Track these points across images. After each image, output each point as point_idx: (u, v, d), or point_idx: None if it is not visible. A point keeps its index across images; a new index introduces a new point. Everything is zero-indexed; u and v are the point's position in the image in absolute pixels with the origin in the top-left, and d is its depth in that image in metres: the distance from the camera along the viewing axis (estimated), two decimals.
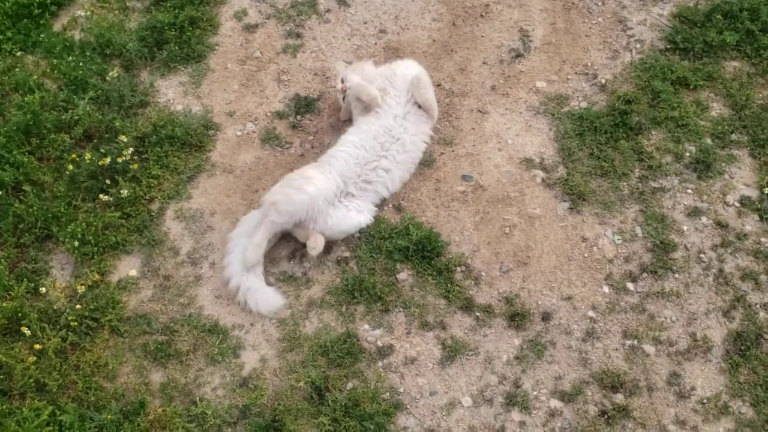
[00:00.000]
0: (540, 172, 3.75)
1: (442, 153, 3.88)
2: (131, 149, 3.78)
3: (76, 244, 3.51)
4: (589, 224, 3.58)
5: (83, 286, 3.42)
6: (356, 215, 3.51)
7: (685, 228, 3.55)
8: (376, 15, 4.46)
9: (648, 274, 3.42)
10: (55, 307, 3.38)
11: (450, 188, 3.74)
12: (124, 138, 3.77)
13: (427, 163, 3.82)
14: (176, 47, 4.24)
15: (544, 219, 3.60)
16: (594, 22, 4.36)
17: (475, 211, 3.66)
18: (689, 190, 3.65)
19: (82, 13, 4.45)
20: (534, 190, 3.70)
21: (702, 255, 3.46)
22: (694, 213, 3.57)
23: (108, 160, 3.71)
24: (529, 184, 3.72)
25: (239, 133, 4.01)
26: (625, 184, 3.70)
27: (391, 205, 3.71)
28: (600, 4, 4.43)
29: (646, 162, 3.75)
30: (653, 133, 3.85)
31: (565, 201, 3.66)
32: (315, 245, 3.41)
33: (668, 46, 4.16)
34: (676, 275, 3.42)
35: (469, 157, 3.85)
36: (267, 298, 3.40)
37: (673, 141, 3.80)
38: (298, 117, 4.04)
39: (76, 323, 3.29)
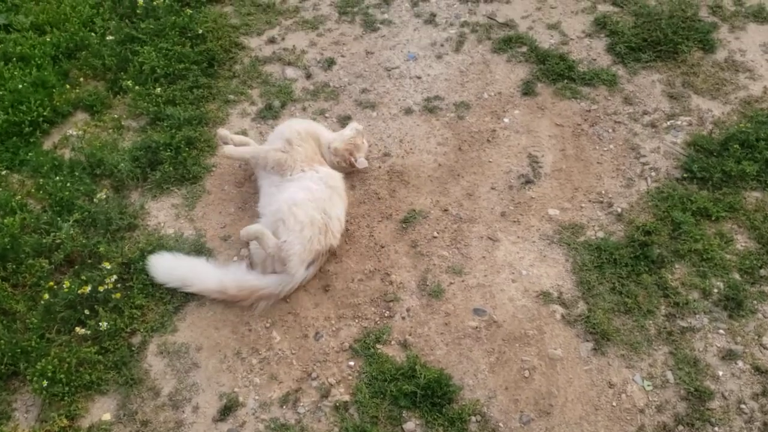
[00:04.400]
0: (559, 308, 3.46)
1: (451, 283, 3.60)
2: (114, 277, 3.48)
3: (45, 383, 3.13)
4: (615, 367, 3.25)
5: None
6: None
7: (721, 373, 3.22)
8: (380, 138, 4.31)
9: (684, 427, 3.06)
10: None
11: (461, 323, 3.43)
12: (107, 265, 3.48)
13: (434, 293, 3.54)
14: (171, 168, 4.04)
15: (566, 361, 3.27)
16: (605, 149, 4.22)
17: (490, 350, 3.33)
18: (721, 331, 3.36)
19: (75, 132, 4.29)
20: (554, 327, 3.39)
21: (742, 405, 3.11)
22: (728, 356, 3.26)
23: (88, 288, 3.41)
24: (548, 320, 3.42)
25: (235, 259, 3.73)
26: (651, 322, 3.40)
27: (395, 342, 3.38)
28: (610, 131, 4.32)
29: (671, 298, 3.47)
30: (677, 266, 3.60)
31: (588, 341, 3.34)
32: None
33: (685, 175, 4.00)
34: (716, 428, 3.05)
35: (480, 289, 3.56)
36: None
37: (699, 276, 3.55)
38: None
39: None
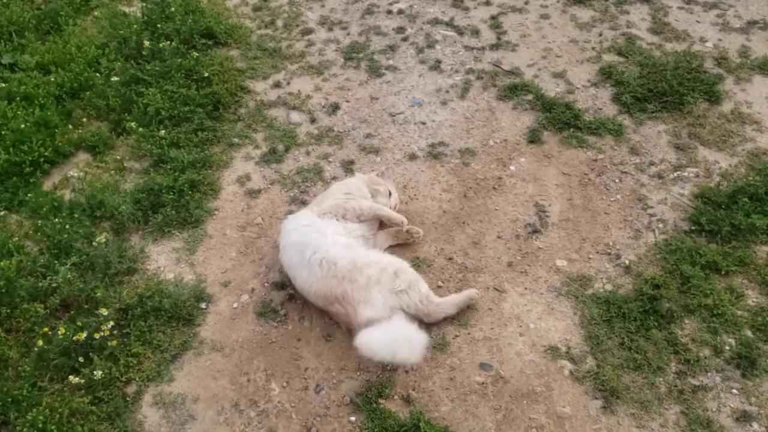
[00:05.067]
0: (568, 363, 3.37)
1: (456, 336, 3.51)
2: (111, 323, 3.39)
3: None
4: (625, 427, 3.14)
5: None
6: None
7: None
8: None
9: None
10: None
11: (467, 378, 3.33)
12: (104, 311, 3.40)
13: (439, 346, 3.44)
14: (173, 211, 3.98)
15: (575, 420, 3.17)
16: (612, 199, 4.18)
17: (497, 407, 3.22)
18: (734, 390, 3.26)
19: (76, 173, 4.24)
20: (562, 384, 3.29)
21: None
22: (743, 418, 3.15)
23: (84, 335, 3.31)
24: (557, 376, 3.32)
25: (235, 306, 3.65)
26: (661, 380, 3.30)
27: (398, 396, 3.27)
28: (617, 181, 4.28)
29: (682, 355, 3.38)
30: (686, 321, 3.52)
31: (597, 398, 3.24)
32: None
33: (693, 227, 3.94)
34: None
35: (487, 342, 3.47)
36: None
37: (710, 332, 3.46)
38: None
39: None
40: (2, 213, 4.02)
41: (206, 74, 4.78)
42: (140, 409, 3.25)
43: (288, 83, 5.04)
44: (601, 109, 4.77)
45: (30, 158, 4.21)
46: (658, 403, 3.22)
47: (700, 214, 3.96)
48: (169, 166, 4.21)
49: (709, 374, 3.31)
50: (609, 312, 3.56)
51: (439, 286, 3.72)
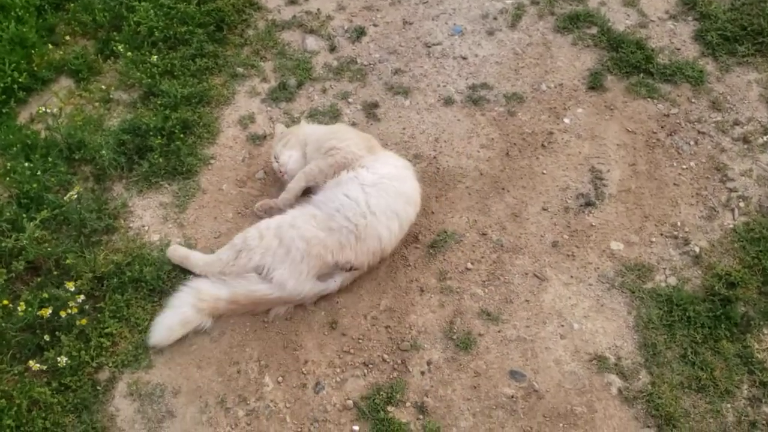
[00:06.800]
0: (616, 379, 2.81)
1: (483, 333, 2.95)
2: (82, 298, 2.90)
3: None
4: None
5: None
6: None
7: None
8: (411, 135, 3.60)
9: None
10: None
11: (493, 388, 2.81)
12: (71, 286, 2.89)
13: (463, 344, 2.90)
14: (161, 158, 3.40)
15: None
16: (685, 166, 3.47)
17: (527, 428, 2.70)
18: None
19: (55, 104, 3.64)
20: (608, 405, 2.75)
21: None
22: None
23: (49, 311, 2.83)
24: (602, 395, 2.77)
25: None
26: (729, 405, 2.74)
27: (410, 403, 2.77)
28: (692, 143, 3.54)
29: (757, 376, 2.80)
30: (766, 332, 2.91)
31: (648, 426, 2.70)
32: None
33: None
34: None
35: (520, 344, 2.92)
36: None
37: None
38: None
39: None
40: None
41: None
42: (112, 399, 2.81)
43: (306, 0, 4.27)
44: (679, 49, 3.95)
45: (2, 84, 3.61)
46: None
47: None
48: (159, 102, 3.58)
49: None
50: (671, 314, 2.97)
51: (468, 269, 3.13)
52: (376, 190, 2.97)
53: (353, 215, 2.91)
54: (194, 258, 3.03)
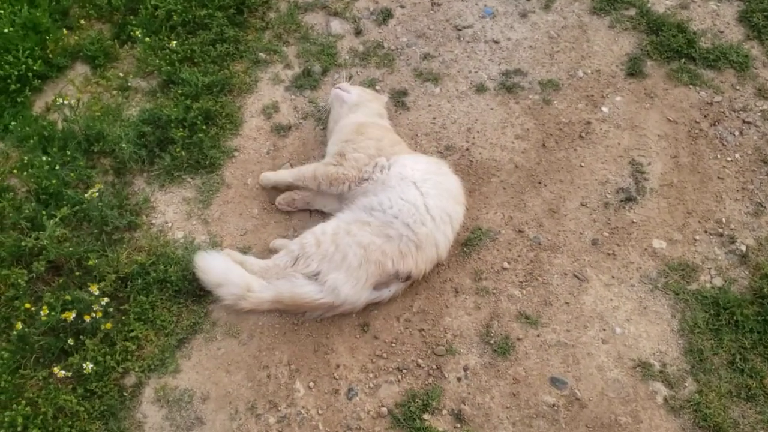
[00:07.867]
0: (662, 387, 2.70)
1: (522, 337, 2.84)
2: (106, 300, 2.80)
3: None
4: None
5: None
6: None
7: None
8: (442, 125, 3.45)
9: None
10: None
11: (533, 396, 2.70)
12: (95, 289, 2.79)
13: (501, 349, 2.79)
14: (183, 151, 3.27)
15: None
16: (729, 159, 3.31)
17: None
18: None
19: (72, 93, 3.49)
20: (653, 415, 2.64)
21: None
22: None
23: (73, 315, 2.74)
24: (647, 404, 2.67)
25: None
26: None
27: (447, 411, 2.68)
28: (737, 134, 3.38)
29: None
30: None
31: None
32: None
33: None
34: None
35: (561, 349, 2.81)
36: None
37: None
38: None
39: None
40: None
41: None
42: (139, 405, 2.73)
43: None
44: (722, 31, 3.75)
45: (16, 72, 3.47)
46: None
47: None
48: (180, 91, 3.43)
49: None
50: (717, 317, 2.84)
51: (505, 268, 3.01)
52: (429, 187, 2.84)
53: (413, 222, 2.78)
54: (250, 264, 2.92)
